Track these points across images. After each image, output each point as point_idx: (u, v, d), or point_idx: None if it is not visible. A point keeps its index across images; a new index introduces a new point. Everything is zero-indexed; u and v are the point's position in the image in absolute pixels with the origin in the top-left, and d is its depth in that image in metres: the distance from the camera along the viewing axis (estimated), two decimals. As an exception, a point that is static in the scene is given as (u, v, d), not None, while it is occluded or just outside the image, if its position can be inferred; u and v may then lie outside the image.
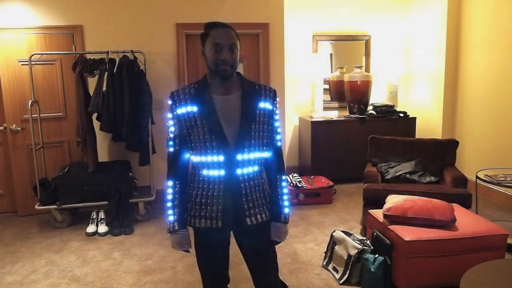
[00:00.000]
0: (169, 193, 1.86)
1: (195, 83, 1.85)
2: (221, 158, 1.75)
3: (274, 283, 1.96)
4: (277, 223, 1.90)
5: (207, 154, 1.76)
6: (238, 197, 1.79)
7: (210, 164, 1.77)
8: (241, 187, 1.79)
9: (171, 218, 1.86)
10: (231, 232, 1.93)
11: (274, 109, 1.87)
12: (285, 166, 1.92)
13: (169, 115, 1.86)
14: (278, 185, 1.91)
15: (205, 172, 1.79)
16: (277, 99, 1.89)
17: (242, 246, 1.94)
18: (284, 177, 1.93)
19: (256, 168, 1.83)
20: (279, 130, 1.92)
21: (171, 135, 1.86)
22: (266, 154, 1.86)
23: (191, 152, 1.82)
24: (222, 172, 1.77)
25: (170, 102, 1.84)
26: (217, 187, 1.78)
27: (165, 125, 4.70)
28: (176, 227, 1.86)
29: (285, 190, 1.92)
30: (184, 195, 1.86)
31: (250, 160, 1.80)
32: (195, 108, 1.77)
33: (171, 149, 1.86)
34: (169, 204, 1.86)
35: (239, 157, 1.76)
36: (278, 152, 1.92)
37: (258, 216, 1.83)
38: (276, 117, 1.89)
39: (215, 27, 1.74)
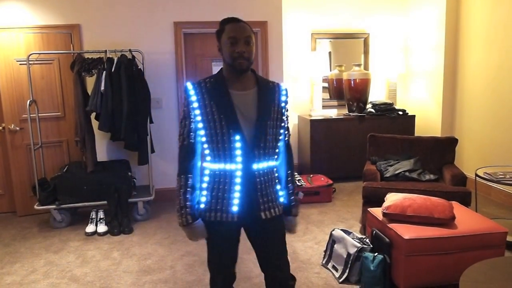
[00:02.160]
0: (182, 186, 1.83)
1: (210, 77, 1.85)
2: (238, 152, 1.78)
3: (287, 277, 1.99)
4: (289, 216, 1.98)
5: (225, 149, 1.78)
6: (254, 192, 1.82)
7: (227, 159, 1.79)
8: (257, 182, 1.82)
9: (184, 211, 1.83)
10: (241, 229, 1.94)
11: (286, 106, 1.94)
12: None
13: (184, 108, 1.85)
14: (289, 180, 1.98)
15: (221, 166, 1.80)
16: (288, 96, 1.96)
17: (255, 241, 1.94)
18: (294, 173, 2.02)
19: (270, 163, 1.88)
20: (288, 127, 1.99)
21: (185, 128, 1.84)
22: (277, 150, 1.91)
23: (206, 146, 1.82)
24: (239, 166, 1.79)
25: (185, 95, 1.82)
26: (233, 182, 1.80)
27: (163, 124, 4.72)
28: (190, 220, 1.83)
29: (295, 185, 2.02)
30: (196, 189, 1.86)
31: (266, 156, 1.84)
32: (212, 102, 1.78)
33: (185, 142, 1.84)
34: (181, 197, 1.83)
35: (256, 152, 1.80)
36: (288, 148, 2.00)
37: (272, 211, 1.87)
38: (287, 113, 1.96)
39: (230, 22, 1.78)
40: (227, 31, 1.76)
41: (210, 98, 1.78)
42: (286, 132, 1.97)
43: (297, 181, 4.68)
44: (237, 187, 1.80)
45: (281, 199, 1.94)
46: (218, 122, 1.77)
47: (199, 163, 1.87)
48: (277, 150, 1.90)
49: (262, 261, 1.97)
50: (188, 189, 1.83)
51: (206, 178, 1.85)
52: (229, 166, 1.80)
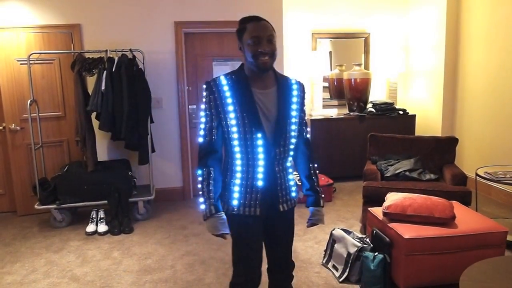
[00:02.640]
0: (205, 179, 1.86)
1: (231, 73, 1.88)
2: (260, 150, 1.82)
3: (289, 262, 2.11)
4: (317, 207, 2.04)
5: (247, 146, 1.82)
6: (274, 187, 1.89)
7: (249, 156, 1.83)
8: (277, 177, 1.89)
9: (207, 202, 1.85)
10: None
11: (304, 102, 1.98)
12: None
13: (203, 105, 1.87)
14: (312, 174, 2.05)
15: (244, 162, 1.85)
16: (305, 92, 2.01)
17: (268, 230, 1.98)
18: (316, 166, 2.08)
19: (289, 159, 1.95)
20: (306, 122, 2.04)
21: (206, 125, 1.86)
22: (295, 146, 1.96)
23: (228, 142, 1.85)
24: (261, 163, 1.84)
25: (205, 92, 1.84)
26: (256, 177, 1.85)
27: (163, 124, 4.72)
28: (214, 211, 1.84)
29: (318, 178, 2.09)
30: (219, 183, 1.89)
31: (286, 152, 1.90)
32: (234, 100, 1.80)
33: (207, 138, 1.87)
34: (205, 189, 1.86)
35: (276, 150, 1.85)
36: (308, 143, 2.05)
37: (289, 203, 1.96)
38: (304, 108, 2.00)
39: (251, 20, 1.79)
40: (250, 30, 1.77)
41: (232, 95, 1.81)
42: (304, 127, 2.02)
43: (297, 181, 4.67)
44: (260, 183, 1.86)
45: (293, 194, 2.00)
46: (241, 121, 1.80)
47: (220, 159, 1.90)
48: (293, 147, 1.95)
49: (268, 248, 2.03)
50: (210, 181, 1.85)
51: (230, 173, 1.89)
52: (251, 162, 1.84)
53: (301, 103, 1.96)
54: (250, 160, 1.84)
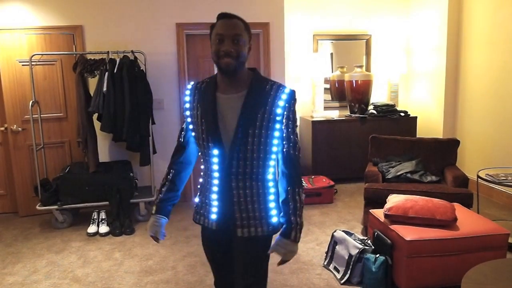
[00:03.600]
0: (163, 179, 1.84)
1: (208, 78, 1.75)
2: (215, 160, 1.65)
3: None
4: (284, 239, 1.67)
5: (206, 154, 1.68)
6: (230, 205, 1.67)
7: (208, 165, 1.70)
8: (234, 195, 1.65)
9: (156, 201, 1.83)
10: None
11: (286, 113, 1.64)
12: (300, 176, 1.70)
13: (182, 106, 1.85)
14: (289, 198, 1.67)
15: (204, 170, 1.75)
16: (293, 101, 1.66)
17: (232, 258, 1.77)
18: (298, 190, 1.68)
19: (255, 176, 1.65)
20: (293, 137, 1.67)
21: (182, 126, 1.82)
22: (272, 163, 1.69)
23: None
24: (216, 175, 1.67)
25: (185, 95, 1.79)
26: (214, 190, 1.69)
27: (165, 125, 4.73)
28: (154, 211, 1.82)
29: (299, 205, 1.67)
30: (174, 184, 1.82)
31: (254, 167, 1.64)
32: (199, 105, 1.69)
33: (179, 139, 1.83)
34: (158, 188, 1.85)
35: (234, 163, 1.62)
36: (290, 162, 1.67)
37: (252, 229, 1.66)
38: (290, 122, 1.66)
39: (222, 18, 1.63)
40: (216, 27, 1.62)
41: (198, 100, 1.69)
42: (286, 142, 1.66)
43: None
44: (214, 196, 1.69)
45: (274, 219, 1.69)
46: (201, 127, 1.66)
47: (188, 162, 1.84)
48: (270, 162, 1.67)
49: (235, 279, 1.76)
50: (166, 182, 1.82)
51: (200, 180, 1.80)
52: (210, 173, 1.69)
53: (281, 114, 1.63)
54: (208, 170, 1.70)
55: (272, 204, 1.69)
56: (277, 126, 1.63)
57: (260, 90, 1.64)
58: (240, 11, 4.73)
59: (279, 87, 1.66)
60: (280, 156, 1.68)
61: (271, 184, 1.70)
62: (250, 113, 1.61)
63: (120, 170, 4.28)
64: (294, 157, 1.68)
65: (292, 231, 1.66)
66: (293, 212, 1.66)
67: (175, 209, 4.59)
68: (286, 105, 1.64)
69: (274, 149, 1.66)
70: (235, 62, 1.59)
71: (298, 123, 5.78)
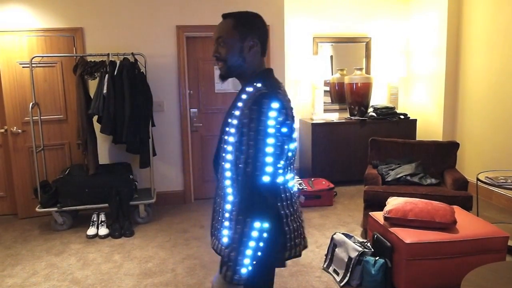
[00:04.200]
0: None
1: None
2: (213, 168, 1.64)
3: None
4: (220, 275, 1.40)
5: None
6: (212, 212, 1.60)
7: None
8: (215, 201, 1.56)
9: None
10: None
11: (246, 120, 1.37)
12: (258, 207, 1.37)
13: None
14: (235, 230, 1.37)
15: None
16: (256, 106, 1.37)
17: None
18: (250, 223, 1.34)
19: (226, 189, 1.48)
20: (245, 148, 1.36)
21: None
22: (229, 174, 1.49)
23: None
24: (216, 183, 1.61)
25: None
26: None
27: (165, 128, 4.74)
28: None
29: (238, 236, 1.35)
30: None
31: (223, 178, 1.50)
32: None
33: None
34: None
35: (219, 168, 1.55)
36: (241, 181, 1.38)
37: (217, 243, 1.54)
38: (244, 130, 1.37)
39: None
40: None
41: None
42: (242, 155, 1.37)
43: (298, 185, 4.67)
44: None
45: (224, 239, 1.48)
46: None
47: None
48: (229, 174, 1.47)
49: None
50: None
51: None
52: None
53: (241, 122, 1.39)
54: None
55: (226, 223, 1.48)
56: (237, 135, 1.41)
57: (244, 93, 1.47)
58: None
59: (256, 89, 1.44)
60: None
61: (230, 198, 1.47)
62: (225, 119, 1.54)
63: (120, 172, 4.28)
64: (243, 174, 1.37)
65: (223, 267, 1.39)
66: (237, 248, 1.36)
67: (175, 211, 4.59)
68: (249, 112, 1.37)
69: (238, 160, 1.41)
70: (224, 65, 1.52)
71: (298, 125, 5.77)
